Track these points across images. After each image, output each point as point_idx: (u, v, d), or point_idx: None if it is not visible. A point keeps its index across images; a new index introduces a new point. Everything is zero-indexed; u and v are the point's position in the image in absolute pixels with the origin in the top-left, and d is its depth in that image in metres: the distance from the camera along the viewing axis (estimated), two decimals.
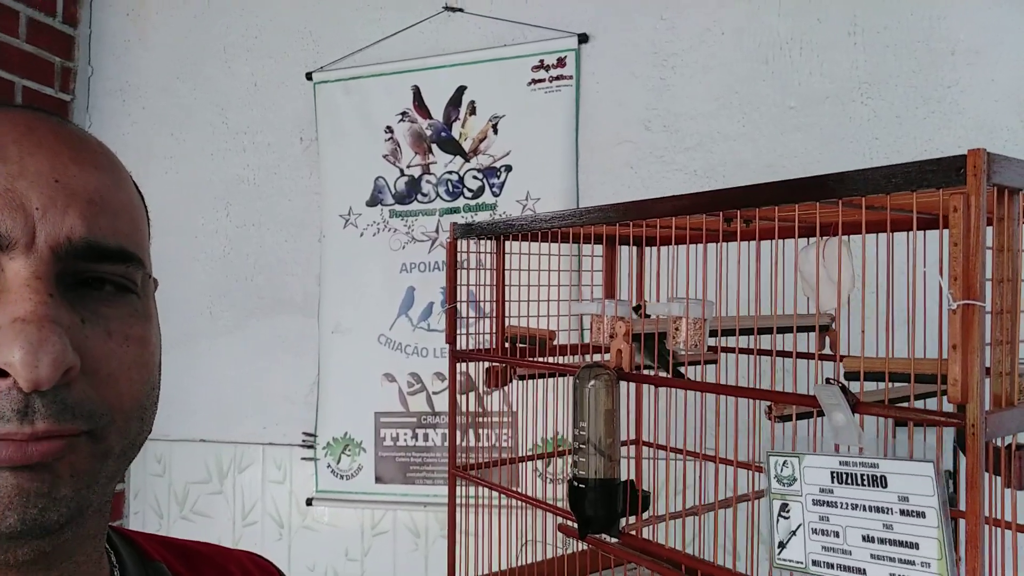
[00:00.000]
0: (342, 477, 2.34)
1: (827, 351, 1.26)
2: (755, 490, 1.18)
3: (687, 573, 1.00)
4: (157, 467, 2.55)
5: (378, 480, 2.31)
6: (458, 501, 1.41)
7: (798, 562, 0.79)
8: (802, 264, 0.97)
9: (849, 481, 0.77)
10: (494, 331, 1.40)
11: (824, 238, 0.92)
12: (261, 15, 2.49)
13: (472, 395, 2.12)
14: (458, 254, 1.40)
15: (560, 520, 1.25)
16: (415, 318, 2.30)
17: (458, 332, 1.40)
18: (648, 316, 1.17)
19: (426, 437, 2.28)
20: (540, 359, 1.35)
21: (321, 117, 2.40)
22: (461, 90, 2.28)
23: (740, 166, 2.04)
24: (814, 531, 0.79)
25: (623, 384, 1.09)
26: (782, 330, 1.16)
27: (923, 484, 0.73)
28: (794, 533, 0.79)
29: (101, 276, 0.44)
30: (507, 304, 1.39)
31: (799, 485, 0.80)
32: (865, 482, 0.76)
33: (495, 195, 2.24)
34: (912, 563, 0.72)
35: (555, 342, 1.42)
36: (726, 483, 1.33)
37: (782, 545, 0.80)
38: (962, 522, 0.71)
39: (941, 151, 0.72)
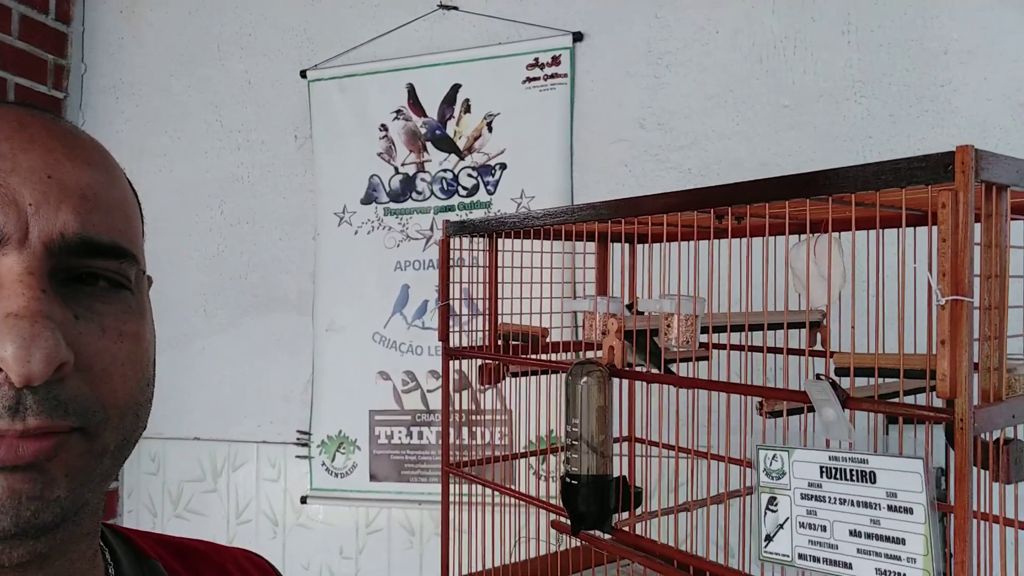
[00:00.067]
0: (336, 475, 2.34)
1: (818, 347, 1.27)
2: (747, 486, 1.19)
3: (680, 569, 1.00)
4: (151, 465, 2.54)
5: (372, 478, 2.31)
6: (452, 498, 1.41)
7: (784, 555, 0.80)
8: (793, 261, 0.98)
9: (838, 476, 0.77)
10: (487, 328, 1.40)
11: (815, 235, 0.92)
12: (255, 12, 2.49)
13: (466, 393, 2.12)
14: (451, 252, 1.40)
15: (553, 517, 1.26)
16: (410, 316, 2.30)
17: (451, 330, 1.40)
18: (640, 313, 1.18)
19: (420, 435, 2.28)
20: (533, 356, 1.36)
21: (315, 115, 2.40)
22: (456, 88, 2.28)
23: (734, 164, 2.05)
24: (801, 525, 0.79)
25: (616, 381, 1.09)
26: (773, 327, 1.16)
27: (912, 480, 0.73)
28: (781, 526, 0.80)
29: (95, 272, 0.44)
30: (500, 301, 1.39)
31: (788, 479, 0.81)
32: (854, 477, 0.76)
33: (490, 193, 2.25)
34: (898, 558, 0.73)
35: (548, 339, 1.42)
36: (718, 479, 1.33)
37: (769, 538, 0.81)
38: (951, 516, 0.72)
39: (934, 150, 0.72)
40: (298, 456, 2.40)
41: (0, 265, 0.41)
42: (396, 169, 2.33)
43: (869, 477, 0.76)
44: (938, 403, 0.73)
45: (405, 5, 2.32)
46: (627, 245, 1.55)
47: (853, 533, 0.76)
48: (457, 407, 1.61)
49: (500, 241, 1.39)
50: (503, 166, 2.23)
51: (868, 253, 0.91)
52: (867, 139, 1.95)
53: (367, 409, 2.32)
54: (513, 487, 1.38)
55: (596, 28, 2.17)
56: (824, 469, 0.79)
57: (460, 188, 2.27)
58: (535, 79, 2.20)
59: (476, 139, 2.26)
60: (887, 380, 0.85)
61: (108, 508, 2.52)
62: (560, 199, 2.16)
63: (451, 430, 1.45)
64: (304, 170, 2.43)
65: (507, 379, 1.38)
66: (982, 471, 0.77)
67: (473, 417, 2.14)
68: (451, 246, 1.40)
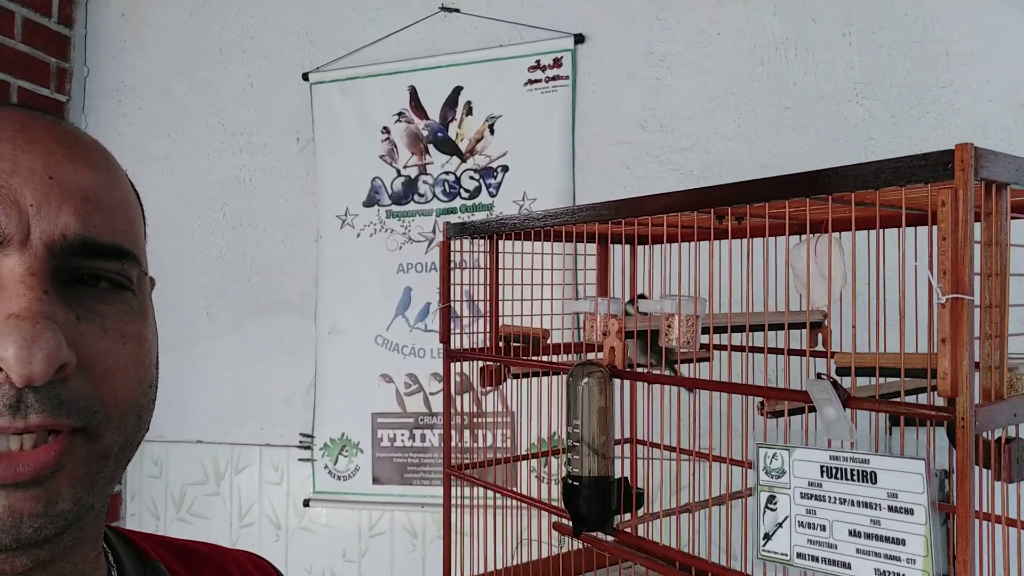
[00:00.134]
0: (339, 478, 2.34)
1: (819, 347, 1.27)
2: (749, 487, 1.19)
3: (682, 570, 1.00)
4: (154, 468, 2.55)
5: (375, 481, 2.31)
6: (454, 501, 1.41)
7: (783, 554, 0.80)
8: (794, 261, 0.98)
9: (839, 476, 0.77)
10: (488, 330, 1.40)
11: (815, 235, 0.92)
12: (257, 16, 2.49)
13: (468, 395, 2.12)
14: (452, 254, 1.40)
15: (555, 518, 1.26)
16: (412, 319, 2.30)
17: (453, 332, 1.41)
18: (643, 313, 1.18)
19: (423, 438, 2.28)
20: (534, 358, 1.36)
21: (317, 117, 2.40)
22: (457, 90, 2.28)
23: (736, 166, 2.05)
24: (801, 524, 0.79)
25: (617, 382, 1.09)
26: (774, 327, 1.16)
27: (913, 481, 0.73)
28: (780, 525, 0.80)
29: (96, 273, 0.44)
30: (501, 303, 1.39)
31: (788, 478, 0.81)
32: (855, 477, 0.76)
33: (492, 195, 2.25)
34: (898, 559, 0.73)
35: (549, 341, 1.42)
36: (720, 480, 1.33)
37: (767, 537, 0.81)
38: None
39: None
40: (301, 459, 2.40)
41: (2, 266, 0.41)
42: (398, 171, 2.34)
43: (870, 477, 0.76)
44: (939, 402, 0.73)
45: (407, 7, 2.33)
46: (628, 246, 1.55)
47: (853, 533, 0.76)
48: (459, 409, 1.61)
49: (501, 243, 1.39)
50: (505, 168, 2.23)
51: (868, 253, 0.91)
52: (868, 141, 1.95)
53: (370, 412, 2.32)
54: (515, 489, 1.38)
55: (597, 30, 2.17)
56: (824, 468, 0.78)
57: (462, 190, 2.28)
58: (537, 81, 2.20)
59: (478, 141, 2.26)
60: (888, 379, 0.85)
61: (111, 511, 2.52)
62: (562, 201, 2.16)
63: (453, 433, 1.45)
64: (306, 173, 2.44)
65: (508, 381, 1.38)
66: (984, 470, 0.77)
67: (475, 419, 2.14)
68: (452, 248, 1.40)
